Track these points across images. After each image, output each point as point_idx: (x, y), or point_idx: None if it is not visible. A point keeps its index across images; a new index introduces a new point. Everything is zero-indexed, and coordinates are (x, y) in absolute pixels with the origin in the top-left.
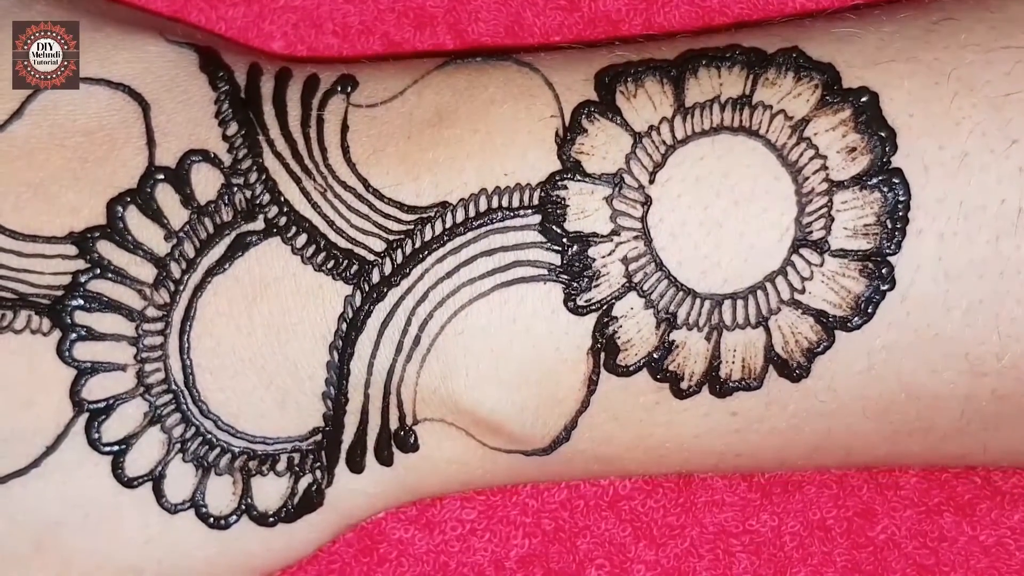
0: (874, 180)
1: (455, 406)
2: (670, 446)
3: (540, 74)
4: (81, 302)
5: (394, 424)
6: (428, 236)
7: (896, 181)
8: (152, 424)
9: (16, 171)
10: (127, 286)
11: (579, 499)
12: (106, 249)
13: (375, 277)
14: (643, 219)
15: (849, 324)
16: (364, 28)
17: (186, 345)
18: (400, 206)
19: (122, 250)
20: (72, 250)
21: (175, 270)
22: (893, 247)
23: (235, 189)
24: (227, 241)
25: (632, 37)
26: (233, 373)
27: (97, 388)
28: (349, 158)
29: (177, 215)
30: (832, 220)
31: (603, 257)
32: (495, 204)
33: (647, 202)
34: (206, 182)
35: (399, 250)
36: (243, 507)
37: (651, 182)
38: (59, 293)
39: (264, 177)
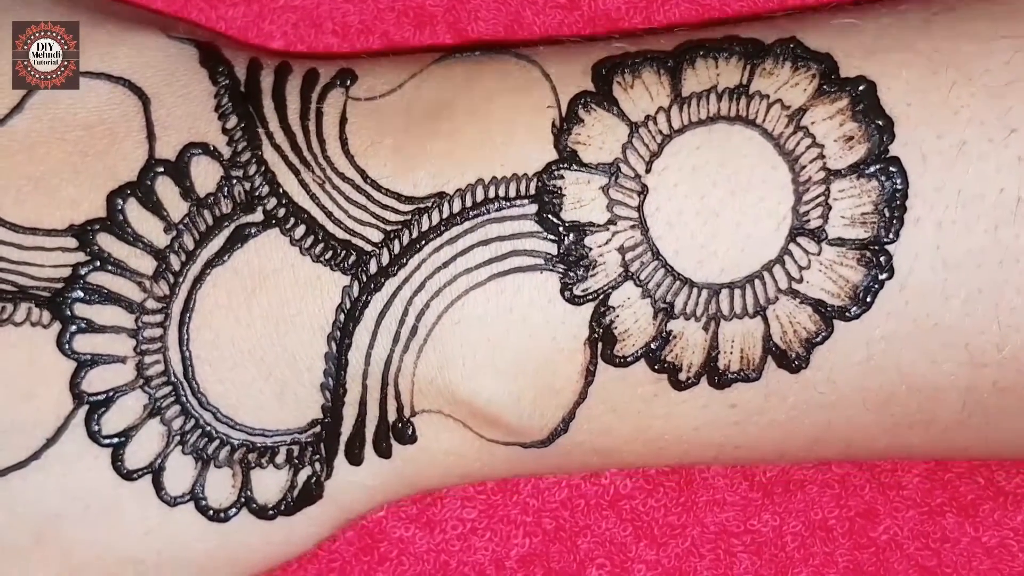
0: (872, 168)
1: (452, 397)
2: (669, 438)
3: (537, 66)
4: (81, 294)
5: (392, 416)
6: (425, 226)
7: (894, 170)
8: (152, 416)
9: (17, 165)
10: (127, 278)
11: (580, 498)
12: (106, 241)
13: (372, 267)
14: (639, 208)
15: (848, 313)
16: (364, 27)
17: (185, 337)
18: (398, 197)
19: (122, 242)
20: (72, 243)
21: (174, 262)
22: (891, 236)
23: (234, 181)
24: (226, 233)
25: (631, 31)
26: (232, 365)
27: (97, 380)
28: (347, 150)
29: (177, 207)
30: (829, 209)
31: (599, 246)
32: (492, 194)
33: (643, 191)
34: (205, 175)
35: (396, 240)
36: (243, 500)
37: (648, 171)
38: (59, 285)
39: (263, 169)
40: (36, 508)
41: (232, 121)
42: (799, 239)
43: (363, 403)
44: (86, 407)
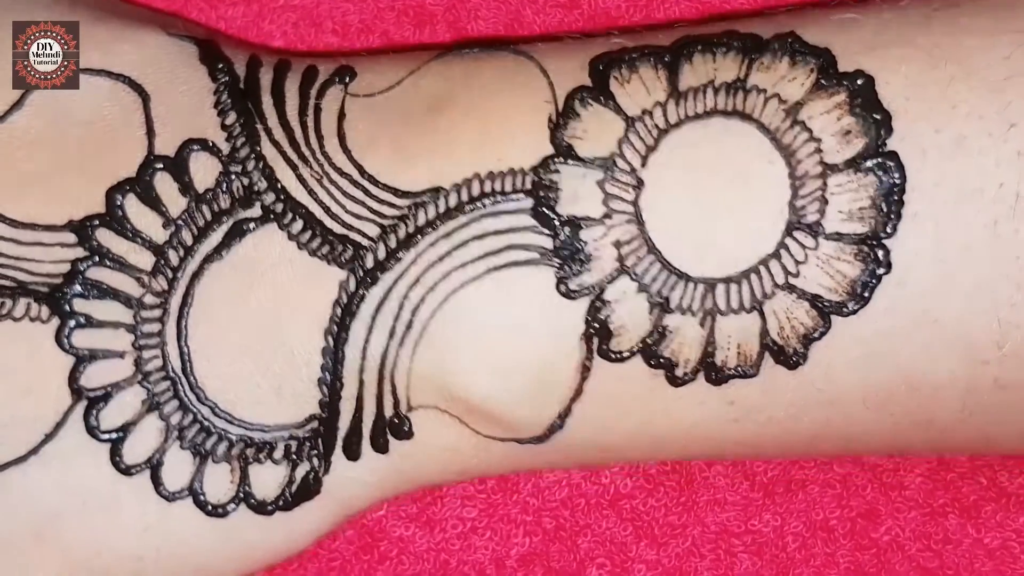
0: (869, 163)
1: (448, 392)
2: (668, 434)
3: (535, 62)
4: (80, 290)
5: (388, 411)
6: (421, 221)
7: (891, 164)
8: (150, 411)
9: (16, 161)
10: (126, 274)
11: (580, 497)
12: (105, 237)
13: (369, 262)
14: (635, 202)
15: (845, 309)
16: (364, 27)
17: (183, 332)
18: (395, 191)
19: (121, 238)
20: (71, 238)
21: (173, 257)
22: (889, 230)
23: (233, 177)
24: (224, 228)
25: (631, 27)
26: (230, 359)
27: (96, 375)
28: (345, 145)
29: (175, 203)
30: (826, 203)
31: (595, 241)
32: (488, 188)
33: (639, 185)
34: (204, 170)
35: (393, 235)
36: (241, 495)
37: (643, 166)
38: (58, 281)
39: (261, 165)
40: (35, 504)
41: (231, 117)
42: (796, 233)
43: (360, 398)
44: (85, 402)
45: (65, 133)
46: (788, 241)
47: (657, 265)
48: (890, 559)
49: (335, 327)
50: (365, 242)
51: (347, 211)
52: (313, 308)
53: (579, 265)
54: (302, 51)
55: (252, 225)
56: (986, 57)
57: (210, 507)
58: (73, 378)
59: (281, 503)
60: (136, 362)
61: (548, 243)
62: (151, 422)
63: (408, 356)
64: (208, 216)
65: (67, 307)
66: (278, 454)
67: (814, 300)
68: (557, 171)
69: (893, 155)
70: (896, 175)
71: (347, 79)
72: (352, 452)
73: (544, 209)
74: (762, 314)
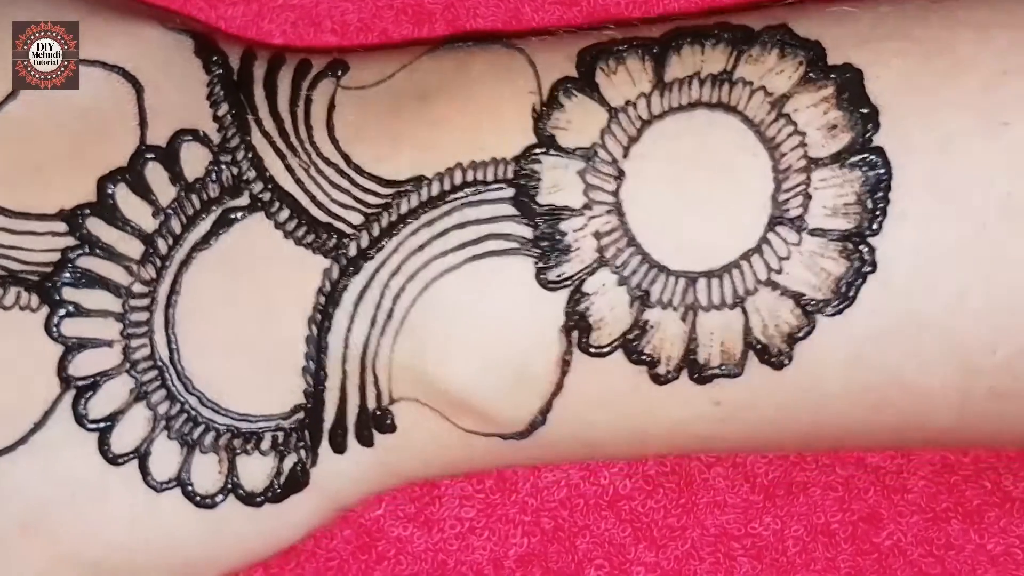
0: (855, 158)
1: (428, 384)
2: (654, 433)
3: (524, 54)
4: (69, 278)
5: (371, 403)
6: (404, 209)
7: (877, 160)
8: (138, 401)
9: (10, 151)
10: (115, 262)
11: (579, 498)
12: (95, 226)
13: (352, 250)
14: (616, 193)
15: (830, 308)
16: (362, 25)
17: (171, 320)
18: (379, 180)
19: (111, 227)
20: (62, 227)
21: (162, 246)
22: (874, 228)
23: (222, 166)
24: (213, 217)
25: (625, 20)
26: (216, 348)
27: (84, 364)
28: (333, 136)
29: (165, 192)
30: (810, 198)
31: (575, 231)
32: (469, 178)
33: (620, 176)
34: (195, 160)
35: (376, 223)
36: (229, 486)
37: (625, 157)
38: (48, 270)
39: (251, 155)
40: (23, 494)
41: (223, 109)
42: (778, 228)
43: (344, 389)
44: (73, 391)
45: (59, 123)
46: (771, 236)
47: (637, 257)
48: (892, 564)
49: (319, 315)
50: (349, 230)
51: (333, 200)
52: (298, 296)
53: (559, 255)
54: (296, 47)
55: (240, 214)
56: (980, 53)
57: (198, 498)
58: (62, 367)
59: (270, 495)
60: (124, 351)
61: (528, 233)
62: (139, 411)
63: (389, 346)
64: (197, 205)
65: (56, 296)
66: (265, 445)
67: (798, 298)
68: (539, 161)
69: (879, 151)
70: (882, 171)
71: (339, 72)
72: (338, 444)
73: (524, 199)
74: (745, 311)
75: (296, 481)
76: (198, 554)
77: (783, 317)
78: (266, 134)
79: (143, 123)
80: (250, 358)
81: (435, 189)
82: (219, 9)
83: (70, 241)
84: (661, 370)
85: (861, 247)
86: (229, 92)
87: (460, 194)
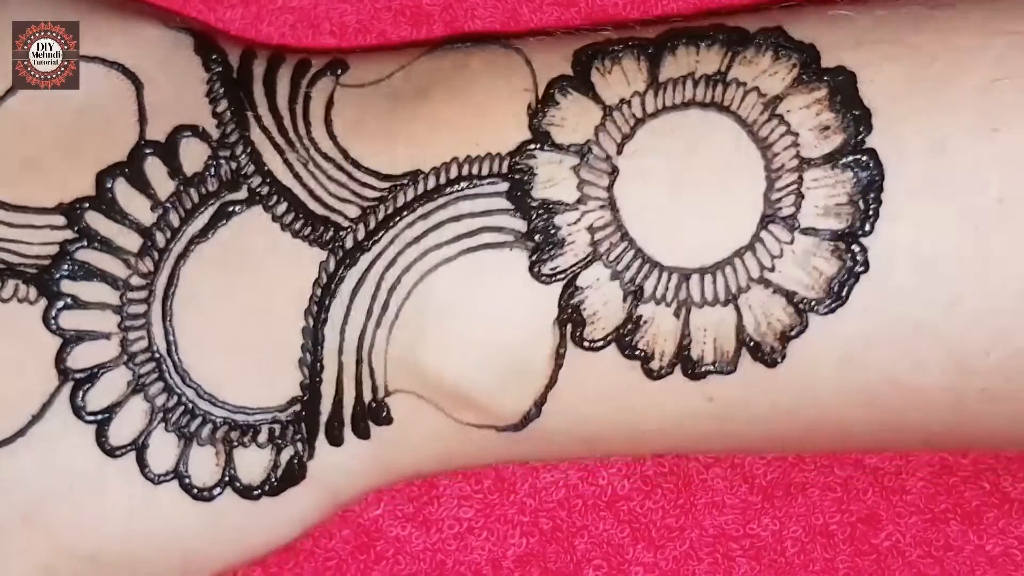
0: (847, 159)
1: (423, 376)
2: (647, 428)
3: (521, 53)
4: (68, 271)
5: (367, 395)
6: (400, 202)
7: (869, 161)
8: (135, 393)
9: (10, 145)
10: (113, 255)
11: (577, 498)
12: (94, 219)
13: (348, 242)
14: (609, 189)
15: (822, 307)
16: (361, 27)
17: (169, 313)
18: (376, 174)
19: (110, 220)
20: (61, 220)
21: (160, 239)
22: (867, 228)
23: (221, 161)
24: (211, 210)
25: (622, 21)
26: (213, 341)
27: (82, 357)
28: (331, 131)
29: (164, 186)
30: (802, 198)
31: (569, 225)
32: (465, 172)
33: (614, 172)
34: (194, 155)
35: (372, 216)
36: (227, 479)
37: (619, 153)
38: (46, 263)
39: (249, 149)
40: (22, 487)
41: (222, 106)
42: (771, 227)
43: (340, 381)
44: (71, 383)
45: (59, 119)
46: (763, 234)
47: (631, 252)
48: (890, 565)
49: (315, 307)
50: (345, 223)
51: (330, 194)
52: (294, 288)
53: (552, 249)
54: (297, 47)
55: (238, 207)
56: (975, 58)
57: (196, 490)
58: (60, 359)
59: (267, 488)
60: (122, 343)
61: (522, 226)
62: (136, 403)
63: (384, 338)
64: (196, 199)
65: (54, 288)
66: (262, 438)
67: (790, 296)
68: (533, 156)
69: (871, 152)
70: (875, 173)
71: (339, 71)
72: (334, 437)
73: (519, 193)
74: (738, 308)
75: (293, 474)
76: (196, 547)
77: (776, 315)
78: (265, 130)
79: (143, 119)
80: (247, 350)
81: (431, 183)
82: (218, 11)
83: (68, 234)
84: (654, 365)
85: (853, 247)
86: (228, 89)
87: (456, 188)
